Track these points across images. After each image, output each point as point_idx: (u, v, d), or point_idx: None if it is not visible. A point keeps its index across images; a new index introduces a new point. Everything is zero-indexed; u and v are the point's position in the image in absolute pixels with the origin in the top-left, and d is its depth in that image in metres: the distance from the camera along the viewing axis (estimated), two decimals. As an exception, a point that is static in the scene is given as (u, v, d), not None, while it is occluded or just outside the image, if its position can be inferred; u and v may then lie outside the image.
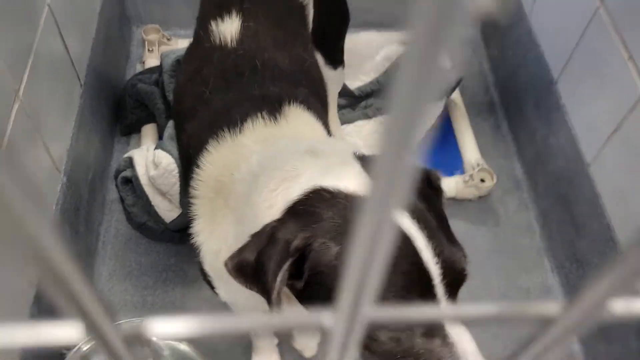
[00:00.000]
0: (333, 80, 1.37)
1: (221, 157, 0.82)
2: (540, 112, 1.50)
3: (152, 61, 1.72)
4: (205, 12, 1.02)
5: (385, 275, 0.58)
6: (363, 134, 1.65)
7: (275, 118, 0.84)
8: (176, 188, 1.35)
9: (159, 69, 1.61)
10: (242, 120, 0.83)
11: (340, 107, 1.64)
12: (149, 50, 1.76)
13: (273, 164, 0.74)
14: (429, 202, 0.66)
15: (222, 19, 0.96)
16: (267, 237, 0.63)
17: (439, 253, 0.61)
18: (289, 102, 0.86)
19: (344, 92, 1.65)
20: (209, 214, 0.81)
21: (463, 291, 1.42)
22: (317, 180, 0.66)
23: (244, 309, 1.01)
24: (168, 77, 1.58)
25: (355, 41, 1.76)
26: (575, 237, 1.33)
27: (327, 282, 0.62)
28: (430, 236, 0.61)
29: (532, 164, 1.56)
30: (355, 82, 1.72)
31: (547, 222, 1.46)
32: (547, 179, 1.47)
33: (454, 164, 1.60)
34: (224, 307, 1.36)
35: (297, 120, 0.86)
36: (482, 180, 1.52)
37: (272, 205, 0.68)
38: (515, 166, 1.62)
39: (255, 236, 0.65)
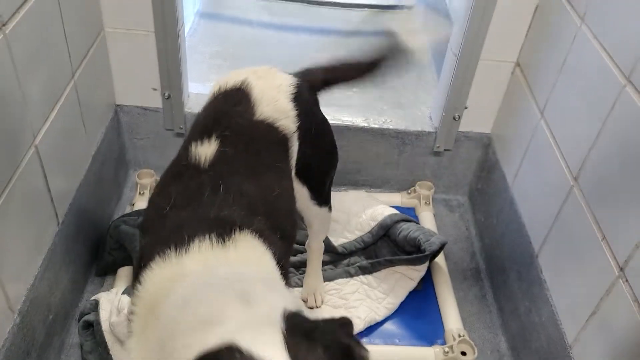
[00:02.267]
0: (317, 217, 1.36)
1: (161, 275, 0.81)
2: (522, 285, 1.45)
3: (141, 204, 1.75)
4: (191, 134, 1.06)
5: None
6: (343, 293, 1.60)
7: (224, 241, 0.83)
8: (134, 338, 1.28)
9: (145, 212, 1.63)
10: (189, 239, 0.82)
11: (323, 263, 1.61)
12: (140, 193, 1.80)
13: (203, 296, 0.73)
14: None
15: (202, 142, 1.01)
16: None
17: None
18: (241, 229, 0.86)
19: (328, 248, 1.64)
20: (142, 331, 0.79)
21: None
22: (235, 335, 0.65)
23: None
24: (151, 221, 1.59)
25: (343, 199, 1.78)
26: None
27: None
28: None
29: (516, 340, 1.47)
30: (340, 239, 1.71)
31: (531, 408, 1.34)
32: (532, 359, 1.37)
33: (435, 332, 1.52)
34: None
35: (246, 247, 0.85)
36: (463, 354, 1.43)
37: (189, 345, 0.67)
38: (500, 340, 1.53)
39: None
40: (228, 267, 0.82)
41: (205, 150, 0.99)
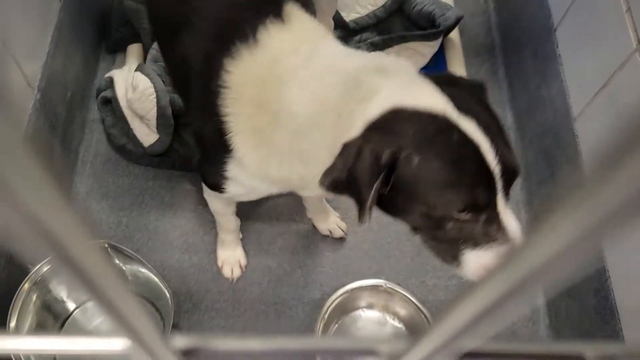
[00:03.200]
0: None
1: (251, 73, 0.81)
2: (536, 60, 1.44)
3: (142, -23, 1.66)
4: None
5: (458, 173, 0.62)
6: (354, 69, 1.60)
7: (283, 21, 0.83)
8: (153, 113, 1.33)
9: (147, -14, 1.56)
10: (252, 30, 0.81)
11: (333, 39, 1.58)
12: (140, -36, 1.69)
13: (338, 83, 0.76)
14: (486, 109, 0.73)
15: None
16: (355, 154, 0.69)
17: (499, 155, 0.69)
18: (285, 1, 0.85)
19: (338, 23, 1.59)
20: (251, 128, 0.83)
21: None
22: (394, 99, 0.71)
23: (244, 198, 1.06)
24: (155, -5, 1.52)
25: (356, -31, 1.67)
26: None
27: (409, 189, 0.70)
28: (493, 140, 0.69)
29: (522, 114, 1.51)
30: (351, 14, 1.65)
31: (529, 176, 1.43)
32: (535, 131, 1.43)
33: (444, 108, 1.55)
34: (193, 233, 1.38)
35: (301, 20, 0.85)
36: (469, 127, 1.48)
37: (351, 125, 0.72)
38: (507, 115, 1.57)
39: (342, 154, 0.71)
40: (325, 51, 0.82)
41: None
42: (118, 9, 1.54)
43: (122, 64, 1.55)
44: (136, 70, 1.37)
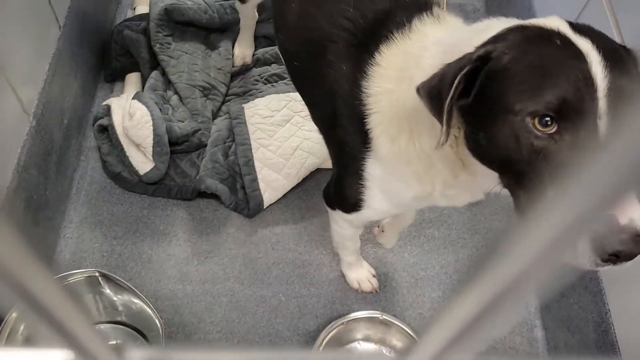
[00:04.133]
0: None
1: (399, 48, 0.83)
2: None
3: (142, 8, 1.68)
4: None
5: (550, 72, 0.56)
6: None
7: (434, 16, 0.86)
8: (149, 141, 1.33)
9: (148, 16, 1.58)
10: (407, 20, 0.85)
11: None
12: (140, -4, 1.71)
13: (468, 30, 0.76)
14: (621, 58, 0.64)
15: None
16: (456, 60, 0.68)
17: (610, 73, 0.60)
18: (434, 6, 0.89)
19: None
20: (387, 104, 0.83)
21: (434, 267, 1.39)
22: (512, 24, 0.68)
23: (384, 215, 1.04)
24: (155, 25, 1.54)
25: None
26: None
27: (492, 91, 0.66)
28: (607, 58, 0.61)
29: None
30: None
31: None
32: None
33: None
34: (187, 263, 1.36)
35: (447, 18, 0.87)
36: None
37: (462, 51, 0.70)
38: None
39: (446, 64, 0.69)
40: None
41: None
42: (118, 38, 1.55)
43: (120, 92, 1.56)
44: (133, 98, 1.38)
